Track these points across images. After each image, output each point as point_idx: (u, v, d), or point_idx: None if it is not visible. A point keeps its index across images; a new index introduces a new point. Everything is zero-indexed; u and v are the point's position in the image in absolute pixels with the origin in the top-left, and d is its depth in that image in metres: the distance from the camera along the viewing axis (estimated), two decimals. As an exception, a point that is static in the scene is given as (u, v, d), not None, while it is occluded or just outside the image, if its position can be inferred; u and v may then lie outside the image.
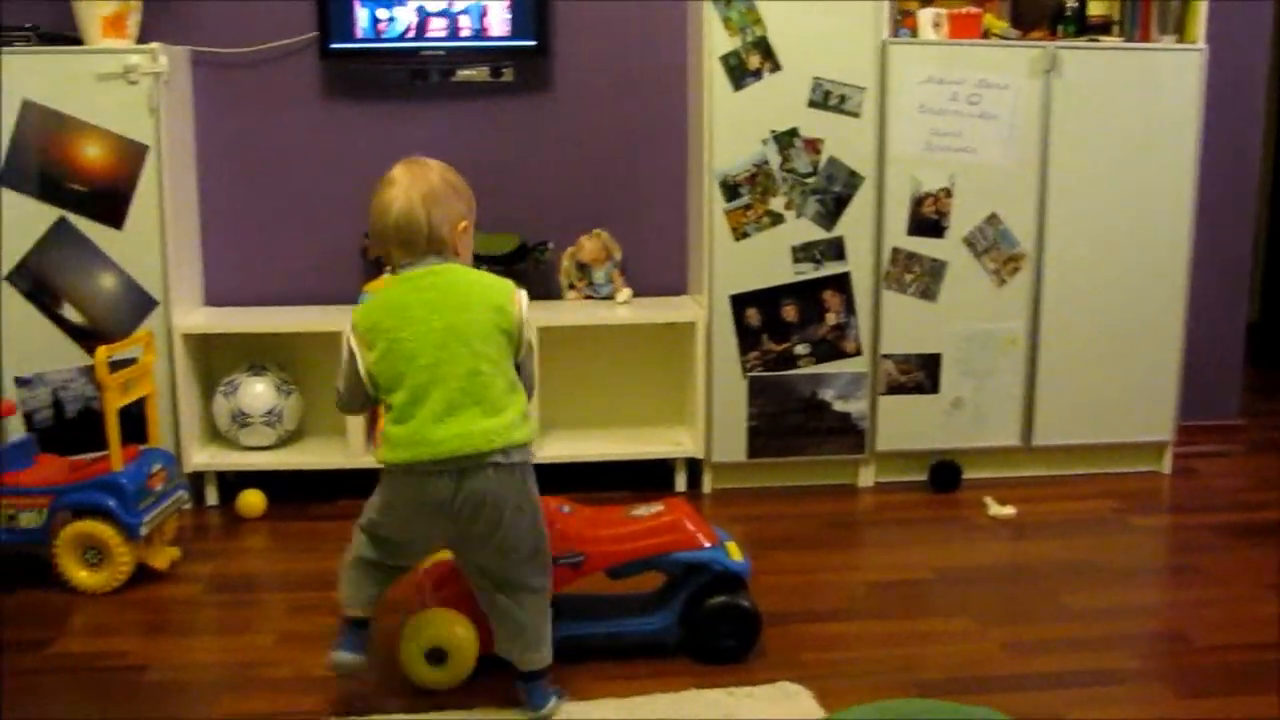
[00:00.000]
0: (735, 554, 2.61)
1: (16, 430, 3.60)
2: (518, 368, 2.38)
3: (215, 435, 3.80)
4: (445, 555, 2.71)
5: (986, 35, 3.69)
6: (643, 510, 2.65)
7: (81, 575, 3.03)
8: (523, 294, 2.39)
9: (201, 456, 3.69)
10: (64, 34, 3.64)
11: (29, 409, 3.62)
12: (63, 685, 2.58)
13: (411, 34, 3.76)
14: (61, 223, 3.56)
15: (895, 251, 3.69)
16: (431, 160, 2.41)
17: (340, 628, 2.42)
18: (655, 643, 2.63)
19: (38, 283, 3.58)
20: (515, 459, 2.31)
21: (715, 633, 2.59)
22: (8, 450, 3.20)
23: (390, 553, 2.41)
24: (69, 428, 3.62)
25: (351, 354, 2.34)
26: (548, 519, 2.49)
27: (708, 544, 2.59)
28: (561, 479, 3.70)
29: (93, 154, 3.54)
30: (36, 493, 3.05)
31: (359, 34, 3.75)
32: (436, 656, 2.46)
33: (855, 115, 3.61)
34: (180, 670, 2.63)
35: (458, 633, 2.46)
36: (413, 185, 2.33)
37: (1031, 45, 3.64)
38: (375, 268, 3.84)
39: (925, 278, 3.71)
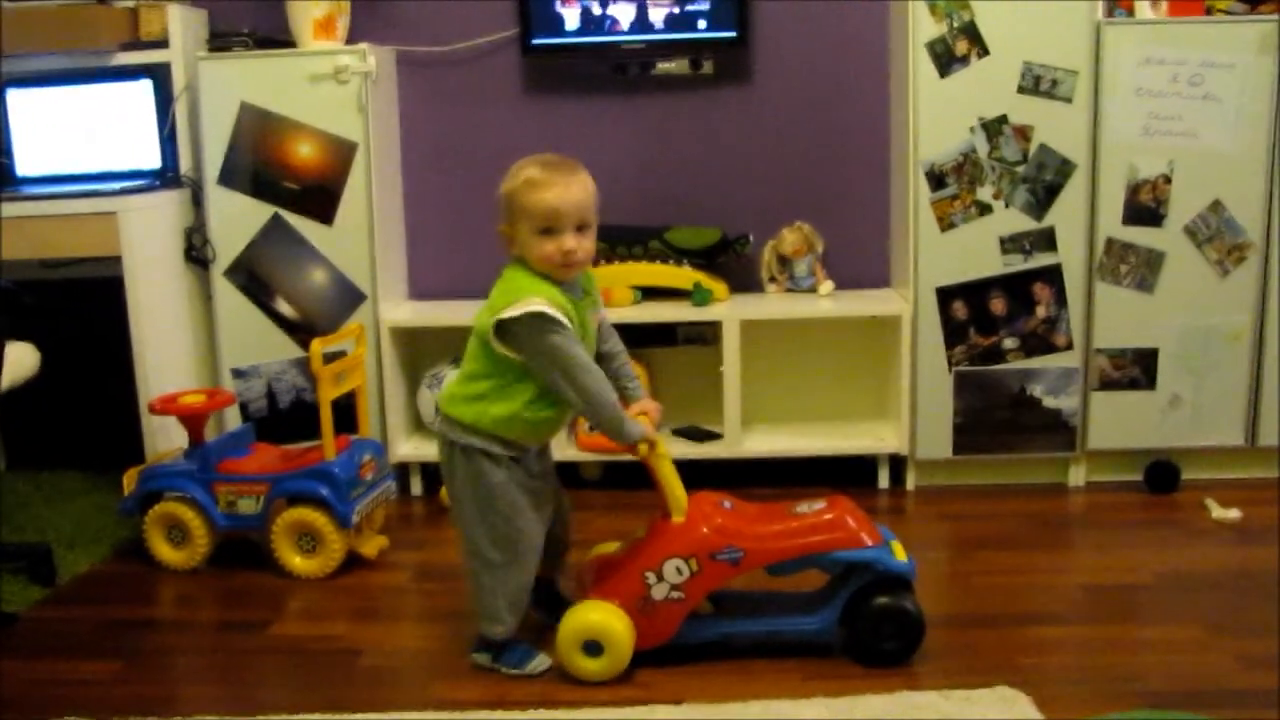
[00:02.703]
0: (899, 554, 2.52)
1: (233, 420, 3.74)
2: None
3: (419, 426, 3.88)
4: (607, 548, 2.73)
5: (1210, 11, 3.49)
6: (805, 507, 2.57)
7: (296, 561, 3.13)
8: (518, 311, 2.41)
9: (406, 447, 3.77)
10: (276, 37, 3.76)
11: (244, 399, 3.75)
12: (283, 666, 2.66)
13: (612, 28, 3.76)
14: (275, 219, 3.68)
15: (1110, 241, 3.53)
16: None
17: None
18: (815, 643, 2.57)
19: (252, 277, 3.71)
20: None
21: (877, 634, 2.51)
22: (227, 439, 3.32)
23: None
24: (282, 418, 3.74)
25: None
26: (707, 512, 2.49)
27: (870, 543, 2.50)
28: (762, 474, 3.67)
29: (305, 152, 3.65)
30: (254, 480, 3.16)
31: (560, 29, 3.77)
32: (592, 648, 2.45)
33: (1067, 100, 3.47)
34: (392, 656, 2.68)
35: (613, 625, 2.45)
36: None
37: (1262, 20, 3.43)
38: (575, 261, 3.86)
39: (1142, 269, 3.54)
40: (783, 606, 2.63)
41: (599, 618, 2.46)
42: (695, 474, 3.30)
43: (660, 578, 2.47)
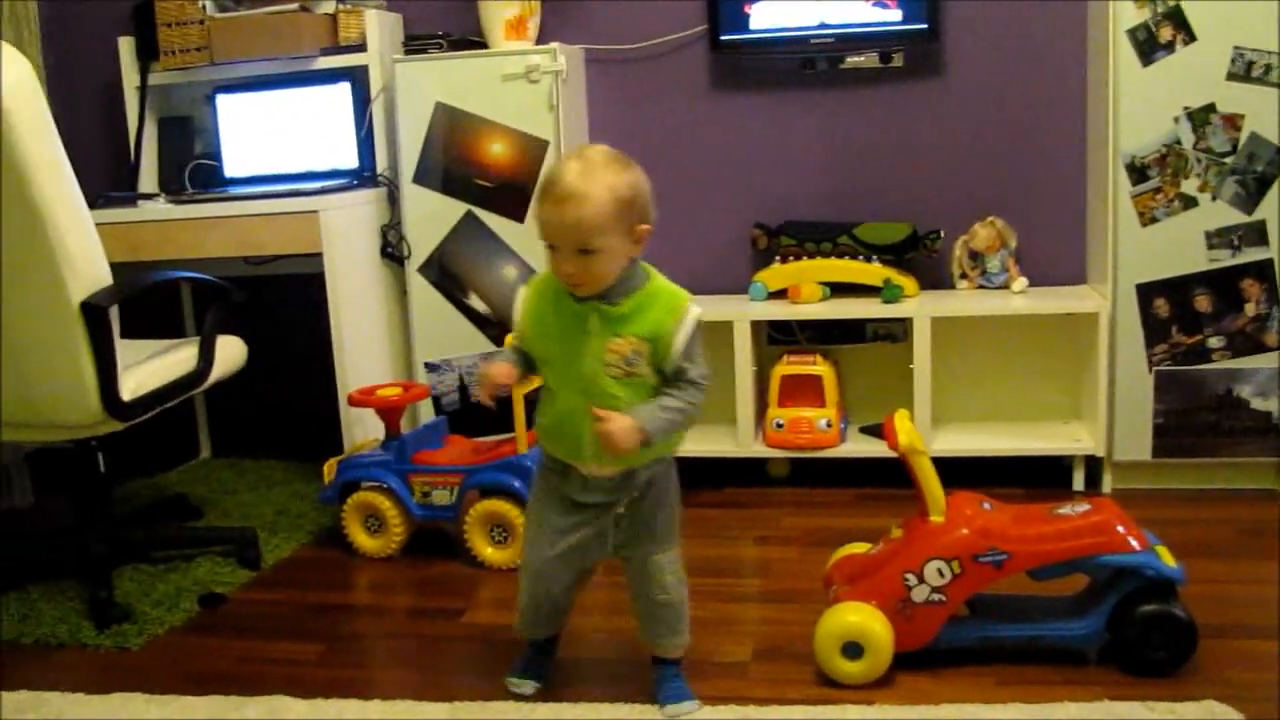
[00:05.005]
0: (1168, 559, 2.42)
1: (426, 413, 3.84)
2: None
3: (606, 421, 3.91)
4: (855, 549, 2.68)
5: None
6: (1068, 509, 2.48)
7: (488, 551, 3.19)
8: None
9: (592, 442, 3.81)
10: (470, 39, 3.85)
11: (437, 393, 3.85)
12: (475, 653, 2.71)
13: (801, 23, 3.73)
14: (468, 216, 3.76)
15: (1327, 236, 3.36)
16: None
17: None
18: (1075, 649, 2.48)
19: (445, 273, 3.80)
20: None
21: (1146, 643, 2.40)
22: (422, 431, 3.41)
23: None
24: (474, 411, 3.81)
25: None
26: (968, 514, 2.44)
27: (1139, 547, 2.41)
28: (953, 473, 3.58)
29: (497, 151, 3.72)
30: (448, 471, 3.23)
31: (749, 25, 3.76)
32: (852, 650, 2.42)
33: (1281, 87, 3.32)
34: (581, 647, 2.70)
35: (873, 626, 2.40)
36: None
37: None
38: (765, 257, 3.85)
39: (1362, 264, 3.36)
40: (1045, 611, 2.54)
41: (858, 619, 2.42)
42: (883, 472, 3.28)
43: (921, 579, 2.42)
